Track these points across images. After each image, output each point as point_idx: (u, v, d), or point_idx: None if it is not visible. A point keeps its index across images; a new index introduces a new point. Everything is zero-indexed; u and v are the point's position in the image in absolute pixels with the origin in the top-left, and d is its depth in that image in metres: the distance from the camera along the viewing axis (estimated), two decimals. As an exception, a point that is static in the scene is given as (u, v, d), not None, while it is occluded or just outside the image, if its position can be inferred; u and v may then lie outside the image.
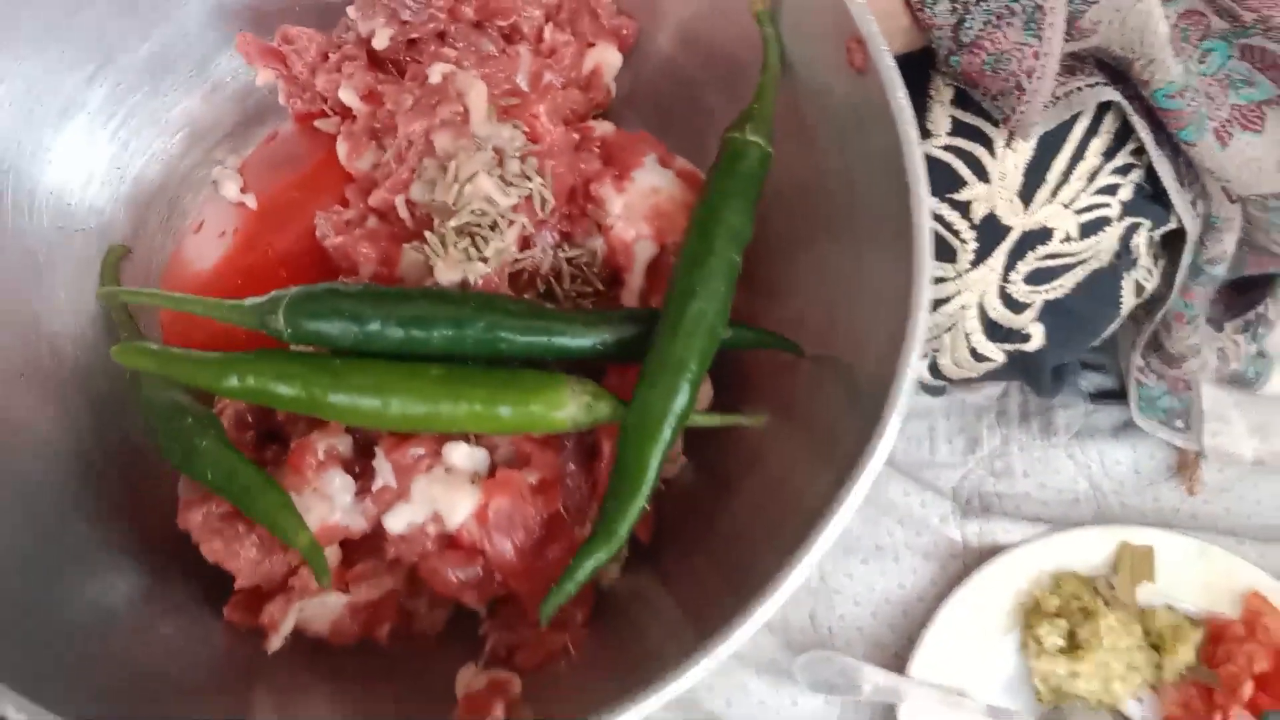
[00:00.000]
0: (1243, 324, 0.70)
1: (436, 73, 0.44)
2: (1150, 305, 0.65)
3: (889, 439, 0.37)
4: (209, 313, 0.43)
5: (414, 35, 0.47)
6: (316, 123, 0.50)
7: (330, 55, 0.48)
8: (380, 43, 0.47)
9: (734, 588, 0.36)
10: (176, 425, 0.43)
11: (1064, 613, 0.73)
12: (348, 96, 0.47)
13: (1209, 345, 0.68)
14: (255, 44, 0.49)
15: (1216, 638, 0.74)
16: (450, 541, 0.41)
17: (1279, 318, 0.73)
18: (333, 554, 0.43)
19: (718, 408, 0.46)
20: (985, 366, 0.59)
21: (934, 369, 0.60)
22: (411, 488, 0.41)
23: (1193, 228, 0.58)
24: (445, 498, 0.41)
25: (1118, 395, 0.75)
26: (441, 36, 0.47)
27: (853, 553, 0.78)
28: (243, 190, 0.49)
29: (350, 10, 0.49)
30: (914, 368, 0.37)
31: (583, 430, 0.42)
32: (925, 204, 0.39)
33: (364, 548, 0.43)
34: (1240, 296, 0.72)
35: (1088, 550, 0.77)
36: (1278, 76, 0.52)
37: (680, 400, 0.40)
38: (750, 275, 0.44)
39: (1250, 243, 0.62)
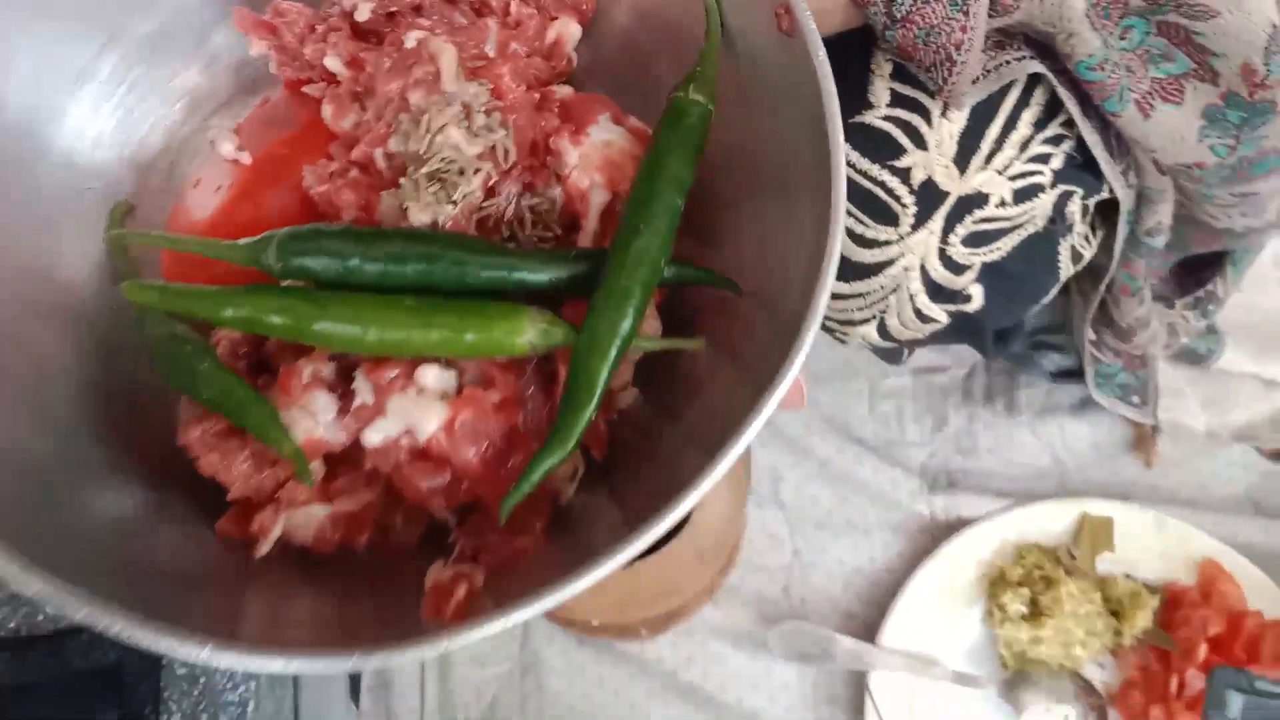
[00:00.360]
0: (1192, 300, 0.74)
1: (411, 39, 0.49)
2: (1094, 276, 0.69)
3: (803, 354, 0.41)
4: (208, 251, 0.48)
5: (392, 9, 0.53)
6: (305, 88, 0.55)
7: (317, 27, 0.54)
8: (362, 15, 0.53)
9: (669, 495, 0.40)
10: (177, 352, 0.48)
11: (1026, 582, 0.77)
12: (332, 63, 0.52)
13: (1159, 320, 0.71)
14: (250, 18, 0.55)
15: (1173, 604, 0.77)
16: (421, 453, 0.45)
17: (1228, 295, 0.77)
18: (316, 468, 0.47)
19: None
20: (930, 327, 0.63)
21: (883, 331, 0.64)
22: (387, 405, 0.45)
23: (1125, 197, 0.62)
24: (417, 413, 0.45)
25: (1078, 374, 0.79)
26: (417, 10, 0.52)
27: (824, 528, 0.82)
28: (238, 149, 0.54)
29: (335, -15, 0.55)
30: (827, 292, 0.42)
31: (540, 354, 0.46)
32: (840, 150, 0.44)
33: (344, 463, 0.47)
34: (1191, 275, 0.76)
35: (1050, 522, 0.81)
36: (1192, 52, 0.57)
37: (625, 324, 0.45)
38: (695, 225, 0.50)
39: (1192, 219, 0.66)
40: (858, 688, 0.76)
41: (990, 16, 0.55)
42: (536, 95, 0.50)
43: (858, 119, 0.59)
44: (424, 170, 0.46)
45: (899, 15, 0.54)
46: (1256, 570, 0.76)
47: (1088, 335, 0.71)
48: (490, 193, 0.48)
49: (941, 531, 0.80)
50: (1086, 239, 0.64)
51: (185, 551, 0.46)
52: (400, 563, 0.47)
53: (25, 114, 0.51)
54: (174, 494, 0.48)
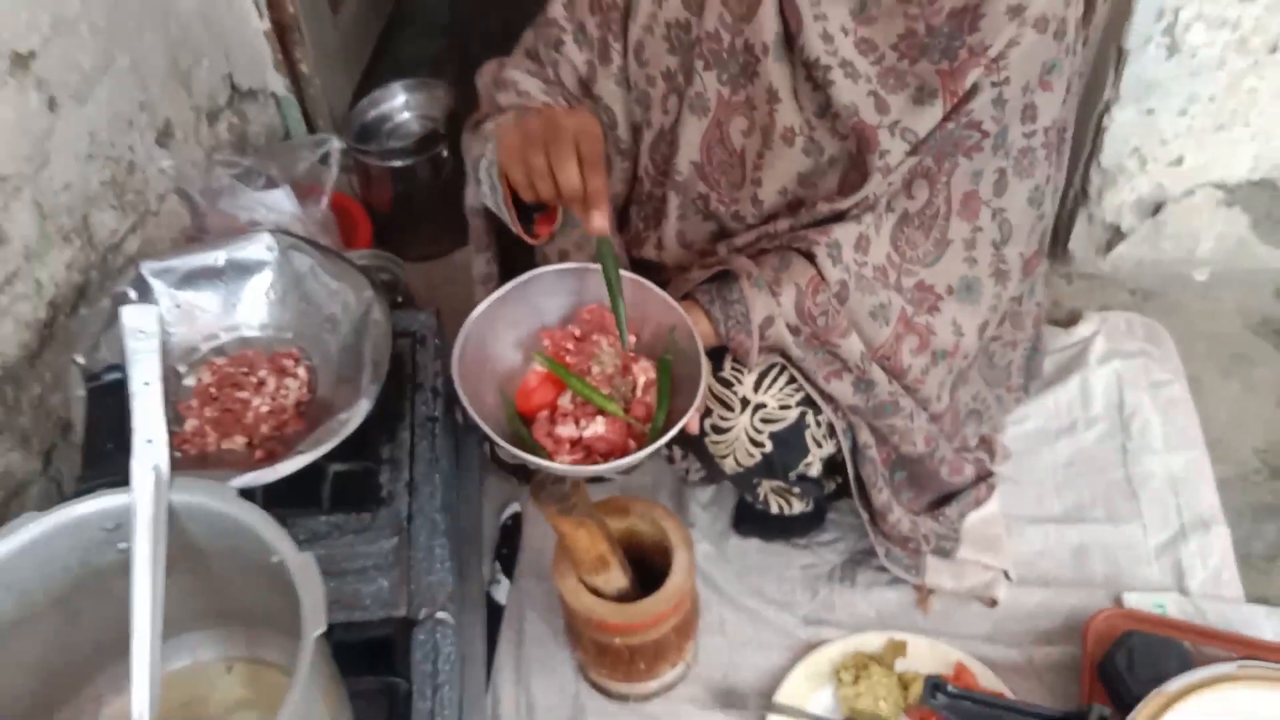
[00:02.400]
0: (931, 517, 1.40)
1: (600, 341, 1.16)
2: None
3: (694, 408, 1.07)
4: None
5: (582, 333, 1.17)
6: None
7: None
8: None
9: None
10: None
11: (854, 667, 1.37)
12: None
13: (908, 520, 1.37)
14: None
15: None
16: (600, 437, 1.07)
17: (960, 516, 1.43)
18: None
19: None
20: (751, 460, 1.24)
21: (734, 460, 1.25)
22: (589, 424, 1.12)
23: (836, 421, 1.26)
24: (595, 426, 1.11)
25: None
26: (584, 338, 1.20)
27: (748, 645, 1.43)
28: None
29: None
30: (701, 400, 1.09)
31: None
32: (704, 383, 1.14)
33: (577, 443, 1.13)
34: (936, 505, 1.42)
35: (869, 644, 1.42)
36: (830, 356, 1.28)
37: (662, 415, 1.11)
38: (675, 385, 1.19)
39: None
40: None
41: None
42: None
43: (719, 373, 1.21)
44: (594, 372, 1.13)
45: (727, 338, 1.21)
46: (988, 670, 1.36)
47: (864, 515, 1.35)
48: (608, 381, 1.14)
49: (812, 647, 1.41)
50: (829, 433, 1.24)
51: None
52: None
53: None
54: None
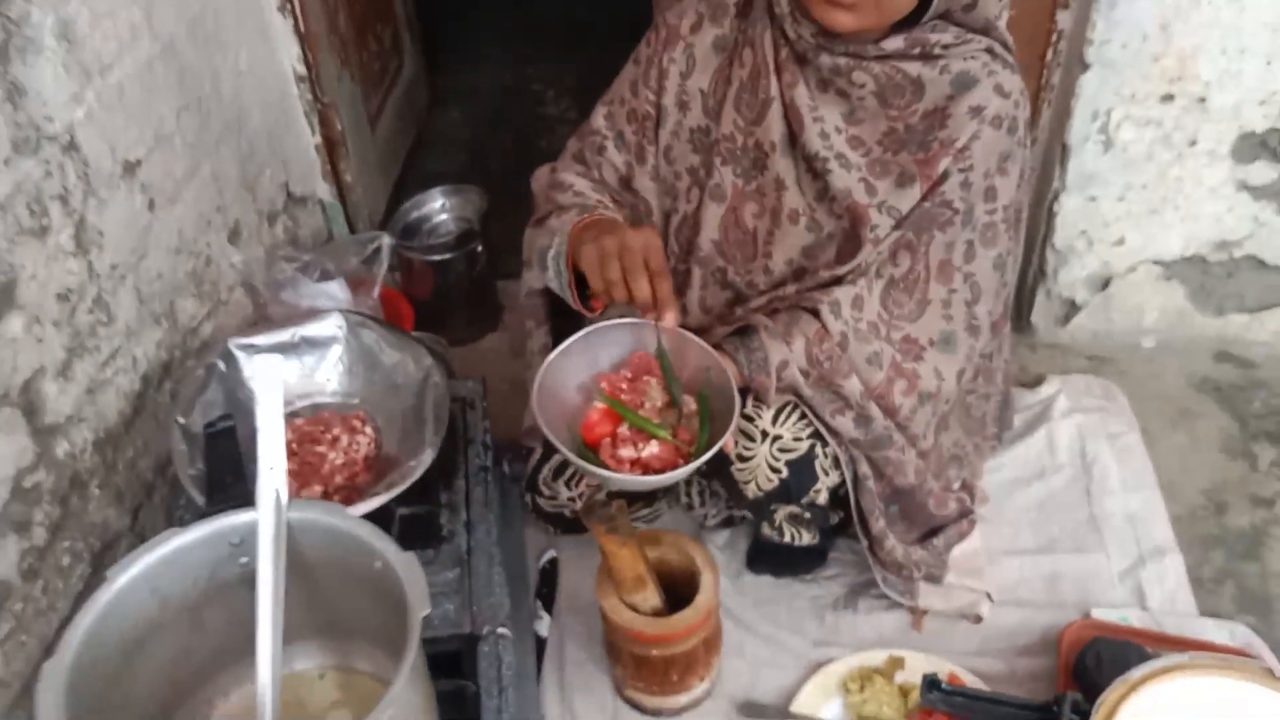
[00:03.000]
0: (921, 547, 1.59)
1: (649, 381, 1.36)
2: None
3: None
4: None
5: (633, 376, 1.40)
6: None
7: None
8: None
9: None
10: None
11: (860, 679, 1.54)
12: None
13: (903, 549, 1.56)
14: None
15: (933, 695, 1.54)
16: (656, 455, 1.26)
17: (947, 547, 1.62)
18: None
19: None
20: (769, 485, 1.43)
21: (756, 484, 1.44)
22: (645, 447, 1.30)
23: (842, 455, 1.47)
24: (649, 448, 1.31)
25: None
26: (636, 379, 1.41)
27: (767, 665, 1.60)
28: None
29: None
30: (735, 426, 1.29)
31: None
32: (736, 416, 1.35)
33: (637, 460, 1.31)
34: (926, 536, 1.61)
35: (874, 659, 1.59)
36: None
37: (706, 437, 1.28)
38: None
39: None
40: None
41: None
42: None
43: (742, 410, 1.38)
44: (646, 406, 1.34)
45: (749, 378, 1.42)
46: (977, 679, 1.53)
47: (864, 542, 1.54)
48: (658, 412, 1.33)
49: (822, 665, 1.58)
50: (834, 464, 1.45)
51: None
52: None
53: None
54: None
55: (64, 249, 1.46)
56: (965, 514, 1.66)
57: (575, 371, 1.33)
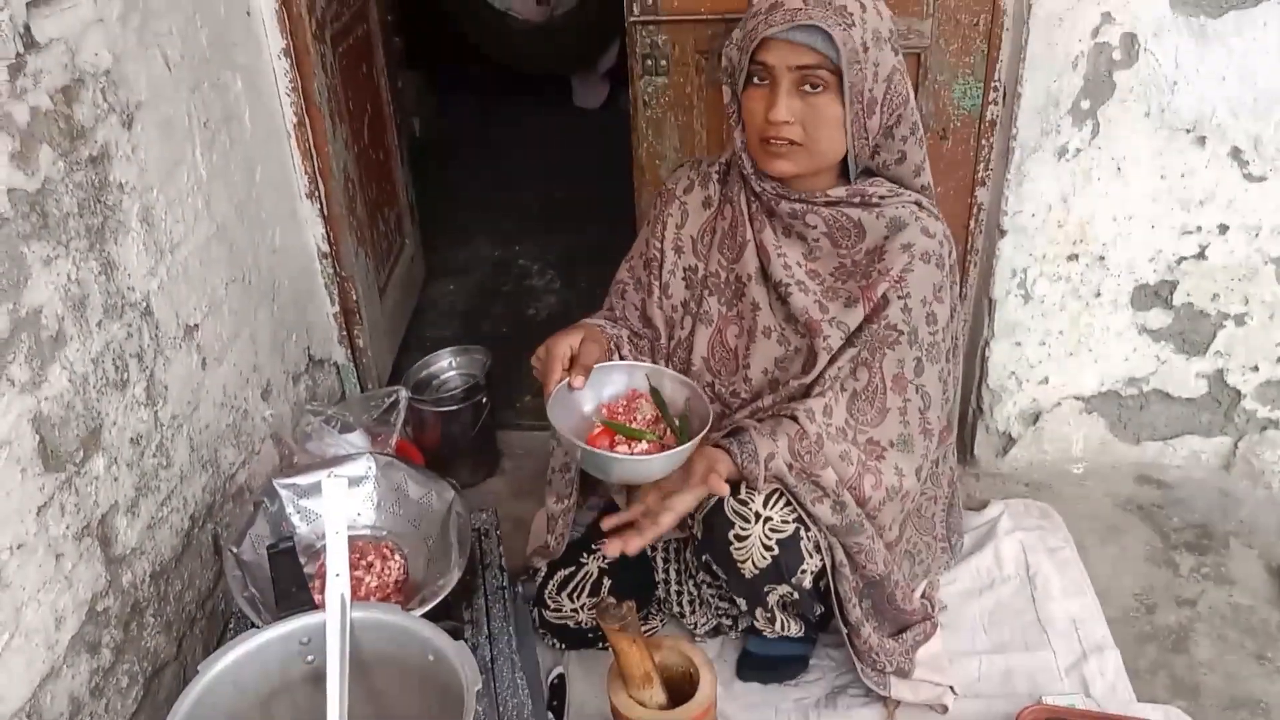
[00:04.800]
0: (893, 639, 1.76)
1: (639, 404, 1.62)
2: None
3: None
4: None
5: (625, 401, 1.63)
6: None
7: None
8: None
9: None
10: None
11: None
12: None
13: (878, 638, 1.73)
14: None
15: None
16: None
17: (915, 644, 1.79)
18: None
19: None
20: (764, 561, 1.59)
21: (751, 562, 1.60)
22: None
23: (823, 543, 1.66)
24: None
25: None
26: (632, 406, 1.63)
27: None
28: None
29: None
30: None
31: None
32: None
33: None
34: (898, 632, 1.78)
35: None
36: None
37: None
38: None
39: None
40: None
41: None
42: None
43: (737, 496, 1.56)
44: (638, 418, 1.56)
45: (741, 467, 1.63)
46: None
47: (844, 630, 1.70)
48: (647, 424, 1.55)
49: (809, 760, 1.72)
50: (815, 548, 1.61)
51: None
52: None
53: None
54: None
55: (138, 400, 1.65)
56: (928, 617, 1.84)
57: (583, 401, 1.61)
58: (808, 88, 1.49)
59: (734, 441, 1.56)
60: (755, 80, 1.53)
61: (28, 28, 1.36)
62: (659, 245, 1.77)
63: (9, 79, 1.32)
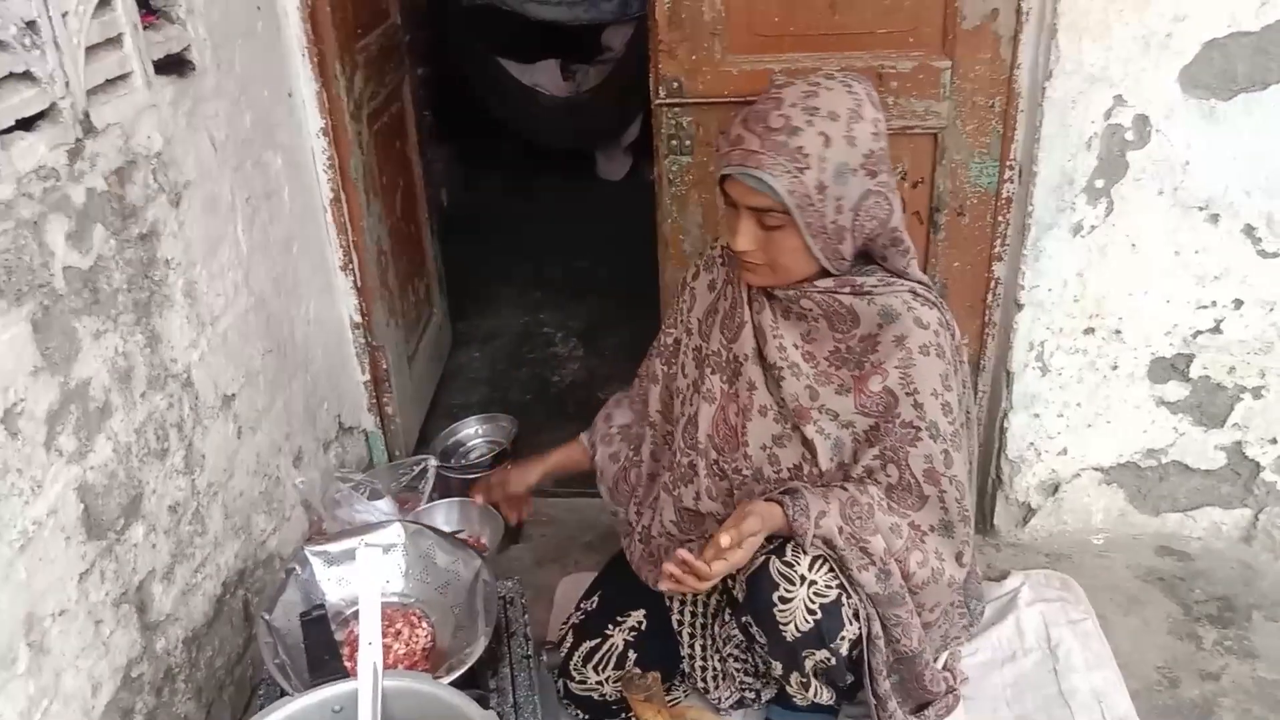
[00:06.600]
0: (916, 716, 1.76)
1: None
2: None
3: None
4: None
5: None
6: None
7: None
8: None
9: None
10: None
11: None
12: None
13: (900, 711, 1.72)
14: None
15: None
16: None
17: (937, 718, 1.78)
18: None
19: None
20: (807, 626, 1.58)
21: (790, 619, 1.60)
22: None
23: (863, 611, 1.66)
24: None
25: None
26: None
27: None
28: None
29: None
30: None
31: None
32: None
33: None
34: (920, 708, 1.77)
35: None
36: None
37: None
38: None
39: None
40: None
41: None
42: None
43: (783, 558, 1.57)
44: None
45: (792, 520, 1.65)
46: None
47: (872, 701, 1.69)
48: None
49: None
50: (855, 616, 1.62)
51: None
52: None
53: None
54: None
55: (176, 468, 1.68)
56: (951, 690, 1.83)
57: None
58: (766, 221, 1.50)
59: (787, 497, 1.57)
60: (727, 201, 1.55)
61: (87, 114, 1.42)
62: (674, 332, 1.85)
63: (69, 163, 1.37)
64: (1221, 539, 2.29)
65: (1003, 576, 2.20)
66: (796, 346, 1.65)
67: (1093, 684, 1.93)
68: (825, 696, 1.73)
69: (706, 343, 1.77)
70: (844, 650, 1.63)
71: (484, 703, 1.65)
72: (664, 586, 1.51)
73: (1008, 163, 2.04)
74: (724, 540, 1.49)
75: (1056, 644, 2.02)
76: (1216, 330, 2.08)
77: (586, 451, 1.98)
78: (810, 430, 1.62)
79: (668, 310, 1.89)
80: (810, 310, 1.62)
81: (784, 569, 1.59)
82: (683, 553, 1.49)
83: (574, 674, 1.85)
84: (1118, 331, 2.11)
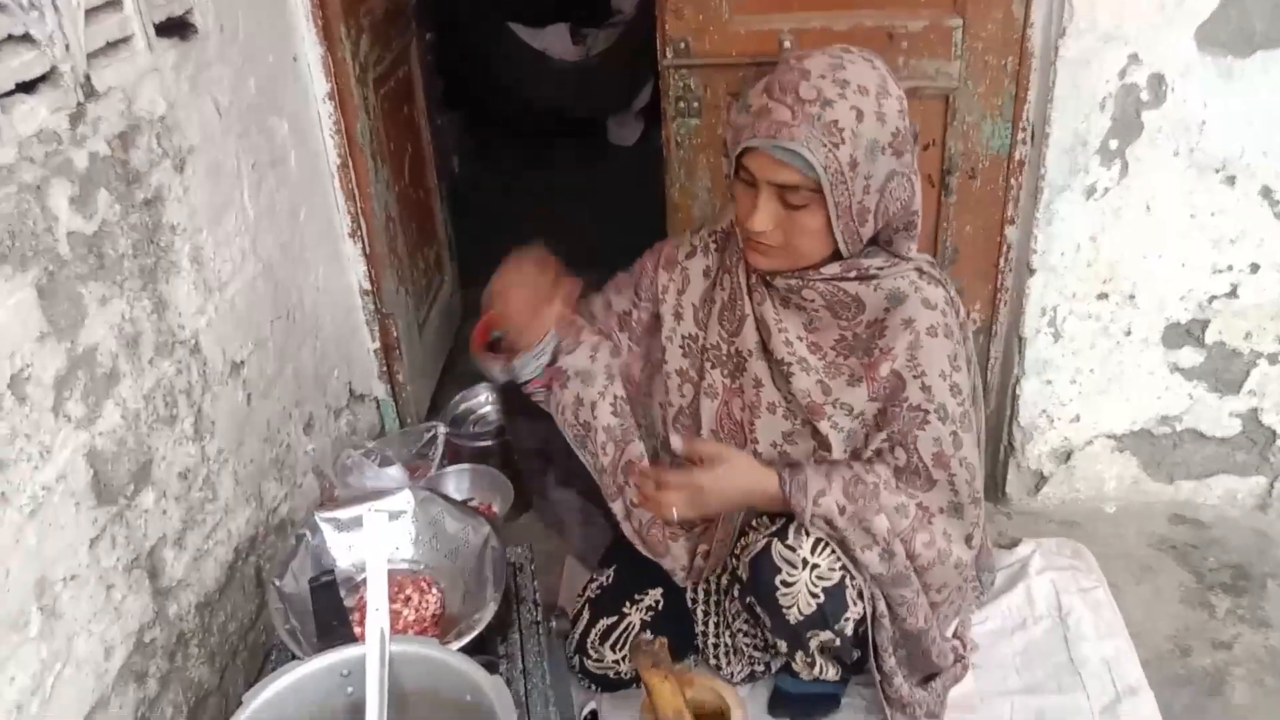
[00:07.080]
0: (922, 688, 1.75)
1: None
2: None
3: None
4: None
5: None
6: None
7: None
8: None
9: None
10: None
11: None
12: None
13: (909, 687, 1.72)
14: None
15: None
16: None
17: (945, 689, 1.78)
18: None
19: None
20: (810, 609, 1.60)
21: (804, 602, 1.59)
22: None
23: (866, 593, 1.64)
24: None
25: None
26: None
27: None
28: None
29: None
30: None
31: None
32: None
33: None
34: (925, 681, 1.77)
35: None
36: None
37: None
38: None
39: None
40: None
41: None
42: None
43: (786, 541, 1.58)
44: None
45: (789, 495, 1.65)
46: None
47: (877, 676, 1.69)
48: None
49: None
50: (859, 596, 1.60)
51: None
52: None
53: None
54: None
55: (186, 435, 1.68)
56: (959, 660, 1.83)
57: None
58: (790, 199, 1.44)
59: (786, 470, 1.55)
60: (742, 177, 1.48)
61: (88, 77, 1.40)
62: (650, 307, 1.79)
63: (70, 127, 1.37)
64: (1236, 507, 2.27)
65: (1014, 544, 2.20)
66: (801, 338, 1.61)
67: (1103, 652, 1.93)
68: (831, 673, 1.73)
69: (704, 333, 1.71)
70: (849, 630, 1.62)
71: (493, 668, 1.66)
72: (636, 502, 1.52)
73: (1020, 124, 2.01)
74: (680, 445, 1.54)
75: (1067, 612, 2.02)
76: (1232, 295, 2.05)
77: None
78: (824, 426, 1.59)
79: (631, 273, 1.85)
80: (811, 301, 1.58)
81: (786, 552, 1.58)
82: (642, 465, 1.57)
83: (591, 652, 1.85)
84: (1131, 296, 2.08)
